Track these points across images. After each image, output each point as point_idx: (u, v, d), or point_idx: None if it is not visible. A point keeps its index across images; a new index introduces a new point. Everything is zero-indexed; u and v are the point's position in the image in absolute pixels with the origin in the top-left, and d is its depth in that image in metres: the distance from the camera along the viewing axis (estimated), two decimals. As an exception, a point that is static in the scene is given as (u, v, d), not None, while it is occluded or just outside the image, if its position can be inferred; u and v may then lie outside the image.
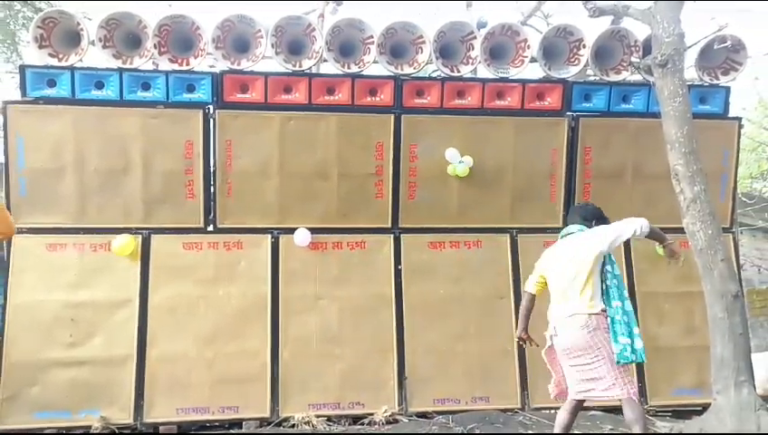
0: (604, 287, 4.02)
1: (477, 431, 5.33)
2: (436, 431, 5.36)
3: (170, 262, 5.81)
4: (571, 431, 4.16)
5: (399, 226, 6.12)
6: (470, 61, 6.07)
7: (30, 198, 5.69)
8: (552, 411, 5.78)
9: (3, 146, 5.75)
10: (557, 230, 6.16)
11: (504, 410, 5.79)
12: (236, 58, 5.86)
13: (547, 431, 5.30)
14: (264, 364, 5.72)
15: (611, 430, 5.35)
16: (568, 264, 4.10)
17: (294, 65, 5.89)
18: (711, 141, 6.08)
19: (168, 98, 5.82)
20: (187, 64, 5.84)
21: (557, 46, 6.18)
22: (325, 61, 6.02)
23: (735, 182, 6.58)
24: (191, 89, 5.86)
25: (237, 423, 5.65)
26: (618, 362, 3.84)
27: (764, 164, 14.10)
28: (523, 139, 6.20)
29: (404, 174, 6.08)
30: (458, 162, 5.94)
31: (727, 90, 6.41)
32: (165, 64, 5.84)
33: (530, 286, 4.41)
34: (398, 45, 6.05)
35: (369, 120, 6.05)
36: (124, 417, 5.51)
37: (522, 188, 6.23)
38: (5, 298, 5.60)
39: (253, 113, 5.90)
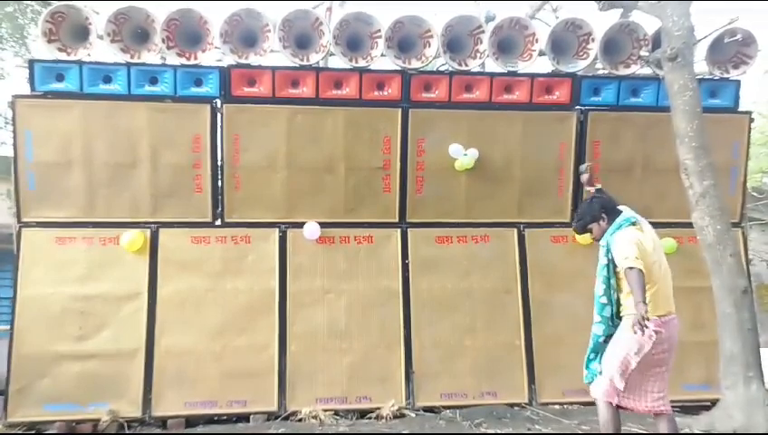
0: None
1: (484, 426, 5.33)
2: (443, 426, 5.36)
3: (178, 256, 5.83)
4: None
5: (407, 220, 6.12)
6: (478, 55, 6.05)
7: (39, 192, 5.72)
8: (559, 407, 5.79)
9: (12, 140, 5.77)
10: (565, 225, 6.23)
11: (512, 405, 5.79)
12: (244, 52, 5.86)
13: (554, 426, 5.30)
14: (272, 358, 5.74)
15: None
16: (663, 258, 3.92)
17: (302, 59, 5.88)
18: (721, 135, 6.05)
19: (175, 92, 5.83)
20: (195, 58, 5.85)
21: (566, 40, 6.15)
22: (332, 55, 6.01)
23: (745, 177, 6.55)
24: (199, 83, 5.86)
25: (245, 417, 5.67)
26: None
27: (775, 158, 13.98)
28: (532, 133, 6.17)
29: (411, 168, 6.08)
30: (463, 155, 5.93)
31: (738, 83, 6.36)
32: (173, 58, 5.84)
33: (640, 263, 3.68)
34: (405, 39, 6.04)
35: (377, 115, 6.04)
36: (133, 410, 5.54)
37: (530, 182, 6.21)
38: (15, 291, 5.63)
39: (260, 107, 5.90)
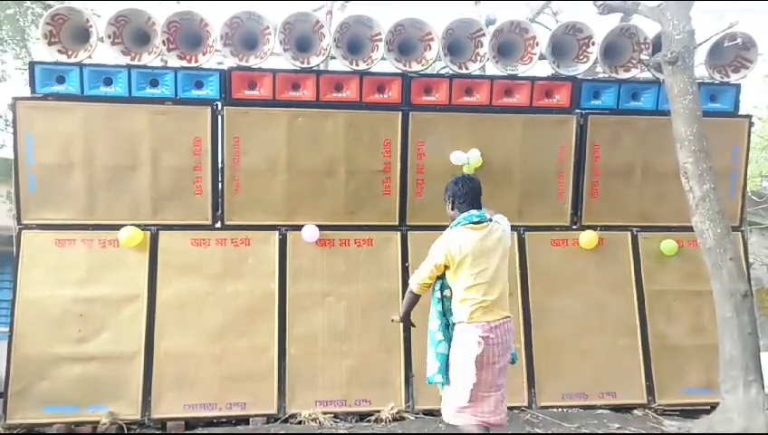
0: None
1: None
2: (442, 429, 5.36)
3: (178, 258, 5.83)
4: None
5: (407, 223, 6.12)
6: (478, 58, 6.06)
7: (39, 195, 5.72)
8: (559, 410, 5.79)
9: (12, 142, 5.77)
10: (565, 228, 6.27)
11: (511, 408, 5.76)
12: (244, 55, 5.87)
13: (554, 430, 5.31)
14: (272, 361, 5.73)
15: (619, 428, 5.34)
16: (501, 260, 3.79)
17: (302, 62, 5.89)
18: (721, 139, 6.06)
19: (176, 94, 5.83)
20: (196, 61, 5.85)
21: (566, 43, 6.16)
22: (333, 58, 6.02)
23: (745, 180, 6.55)
24: (199, 85, 5.87)
25: (244, 420, 5.66)
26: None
27: (774, 162, 14.00)
28: (532, 136, 6.18)
29: (411, 171, 6.08)
30: (466, 159, 5.92)
31: (738, 87, 6.37)
32: (173, 61, 5.85)
33: (420, 284, 3.89)
34: (406, 42, 6.05)
35: (377, 118, 6.04)
36: (132, 412, 5.54)
37: (530, 185, 6.22)
38: (15, 293, 5.63)
39: (261, 110, 5.91)
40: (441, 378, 3.76)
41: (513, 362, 3.87)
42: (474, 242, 3.74)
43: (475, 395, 3.60)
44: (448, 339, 3.81)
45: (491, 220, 3.87)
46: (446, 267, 3.78)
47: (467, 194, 3.95)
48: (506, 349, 3.75)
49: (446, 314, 3.85)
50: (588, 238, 6.14)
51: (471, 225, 3.80)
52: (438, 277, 3.87)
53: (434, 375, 3.80)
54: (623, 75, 6.20)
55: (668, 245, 6.20)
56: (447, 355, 3.78)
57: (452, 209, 4.00)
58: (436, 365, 3.79)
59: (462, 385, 3.64)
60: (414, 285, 3.92)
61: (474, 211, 3.87)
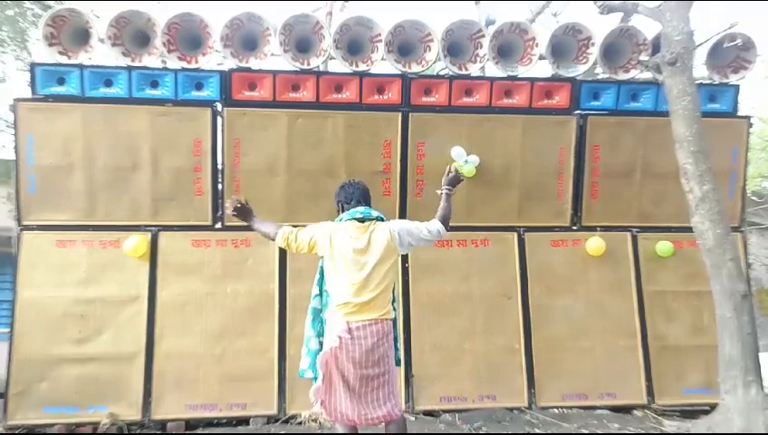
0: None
1: (484, 430, 5.34)
2: (442, 430, 5.37)
3: (178, 259, 5.83)
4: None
5: (407, 224, 6.12)
6: (478, 59, 6.07)
7: (39, 195, 5.73)
8: (558, 410, 5.80)
9: (13, 143, 5.77)
10: (565, 229, 6.26)
11: (511, 409, 5.79)
12: (245, 56, 5.88)
13: (554, 430, 5.31)
14: (272, 361, 5.74)
15: (618, 429, 5.35)
16: (382, 262, 3.70)
17: (302, 63, 5.90)
18: (720, 140, 6.08)
19: (176, 96, 5.84)
20: (196, 62, 5.87)
21: (565, 44, 6.17)
22: (333, 59, 6.03)
23: (745, 181, 6.56)
24: (199, 87, 5.88)
25: (245, 420, 5.67)
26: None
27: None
28: (531, 137, 6.19)
29: (411, 172, 6.09)
30: (464, 161, 5.94)
31: (737, 88, 6.38)
32: (173, 62, 5.87)
33: (286, 236, 3.86)
34: (406, 43, 6.06)
35: (377, 119, 6.05)
36: (132, 413, 5.55)
37: (529, 186, 6.22)
38: (15, 294, 5.64)
39: (261, 111, 5.92)
40: (311, 374, 3.80)
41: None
42: (351, 238, 3.73)
43: (328, 389, 3.63)
44: (319, 334, 3.85)
45: (380, 220, 3.86)
46: (313, 251, 3.83)
47: (353, 194, 3.99)
48: (370, 351, 3.60)
49: (322, 309, 3.88)
50: (597, 245, 6.12)
51: (353, 221, 3.81)
52: (321, 275, 3.90)
53: (305, 370, 3.84)
54: (623, 76, 6.21)
55: (663, 247, 6.19)
56: (318, 351, 3.81)
57: (341, 213, 4.00)
58: (307, 361, 3.84)
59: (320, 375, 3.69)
60: (281, 233, 3.89)
61: (359, 208, 3.88)
